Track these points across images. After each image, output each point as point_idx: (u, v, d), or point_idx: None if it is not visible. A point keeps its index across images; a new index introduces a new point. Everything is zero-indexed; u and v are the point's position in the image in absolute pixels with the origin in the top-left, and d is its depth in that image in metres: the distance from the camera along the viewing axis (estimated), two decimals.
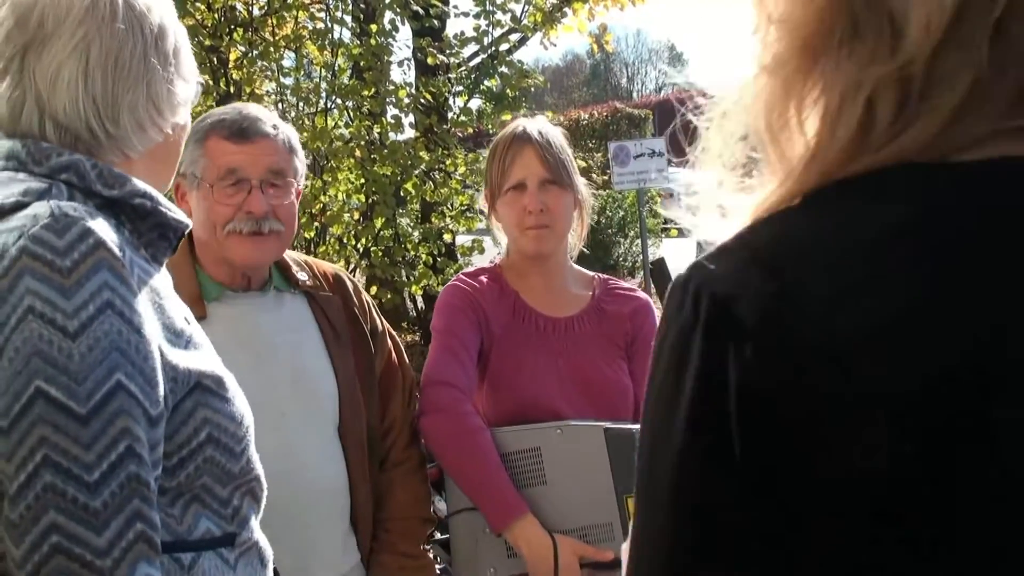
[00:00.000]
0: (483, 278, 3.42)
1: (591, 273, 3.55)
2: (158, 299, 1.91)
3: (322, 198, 9.37)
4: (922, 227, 0.96)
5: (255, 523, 2.07)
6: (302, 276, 3.11)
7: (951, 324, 0.91)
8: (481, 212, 3.58)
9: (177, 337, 1.92)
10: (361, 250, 9.80)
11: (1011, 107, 1.00)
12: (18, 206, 1.83)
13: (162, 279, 2.00)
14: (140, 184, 1.96)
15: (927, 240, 0.95)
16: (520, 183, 3.29)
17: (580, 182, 3.42)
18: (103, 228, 1.80)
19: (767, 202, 1.08)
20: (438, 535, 3.46)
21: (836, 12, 1.03)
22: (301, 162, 3.04)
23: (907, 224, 0.96)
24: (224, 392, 1.98)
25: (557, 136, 3.38)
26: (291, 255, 3.14)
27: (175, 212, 2.03)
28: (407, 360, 3.38)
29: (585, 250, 3.60)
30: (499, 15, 10.91)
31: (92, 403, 1.69)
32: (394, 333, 3.39)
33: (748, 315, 0.97)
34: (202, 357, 1.97)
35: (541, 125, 3.40)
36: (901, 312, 0.92)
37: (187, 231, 2.08)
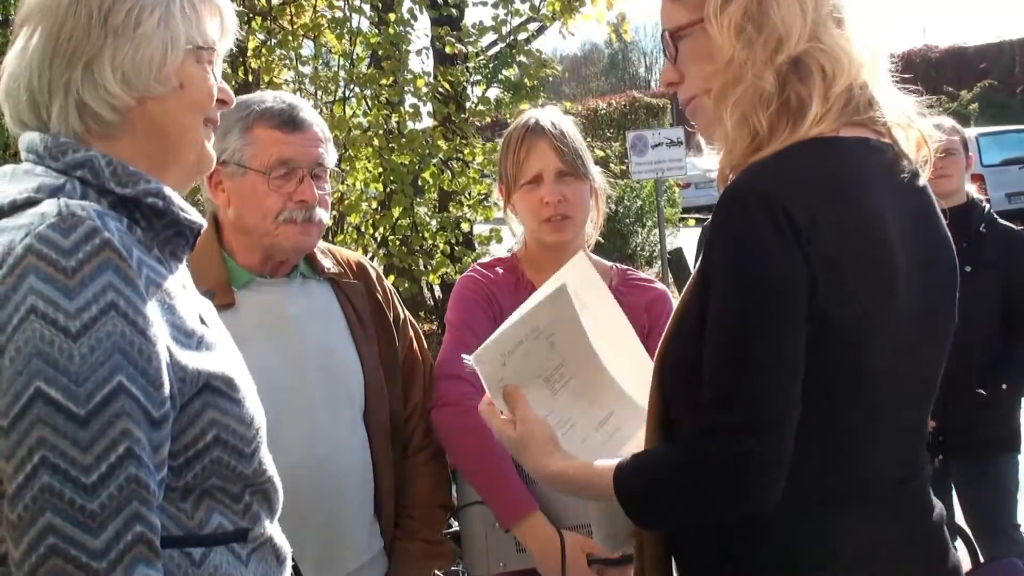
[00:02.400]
0: (499, 269, 3.41)
1: (608, 263, 3.54)
2: (169, 299, 1.90)
3: (340, 187, 9.37)
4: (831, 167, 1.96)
5: (268, 521, 2.06)
6: (327, 263, 3.13)
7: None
8: (496, 204, 3.56)
9: (187, 338, 1.91)
10: (379, 239, 9.80)
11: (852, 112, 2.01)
12: (30, 202, 1.83)
13: (177, 277, 1.99)
14: (153, 183, 1.94)
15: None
16: (537, 176, 3.28)
17: (595, 171, 3.40)
18: (111, 228, 1.79)
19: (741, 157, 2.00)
20: (455, 524, 3.46)
21: (796, 63, 1.97)
22: (333, 150, 3.08)
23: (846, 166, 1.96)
24: (234, 393, 1.96)
25: (570, 126, 3.37)
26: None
27: (189, 213, 2.01)
28: (426, 349, 3.38)
29: (602, 240, 3.59)
30: (518, 4, 10.89)
31: (92, 405, 1.68)
32: (414, 321, 3.39)
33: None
34: (213, 358, 1.96)
35: (553, 116, 3.38)
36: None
37: (202, 230, 2.07)
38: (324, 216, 3.00)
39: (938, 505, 2.15)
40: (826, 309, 1.87)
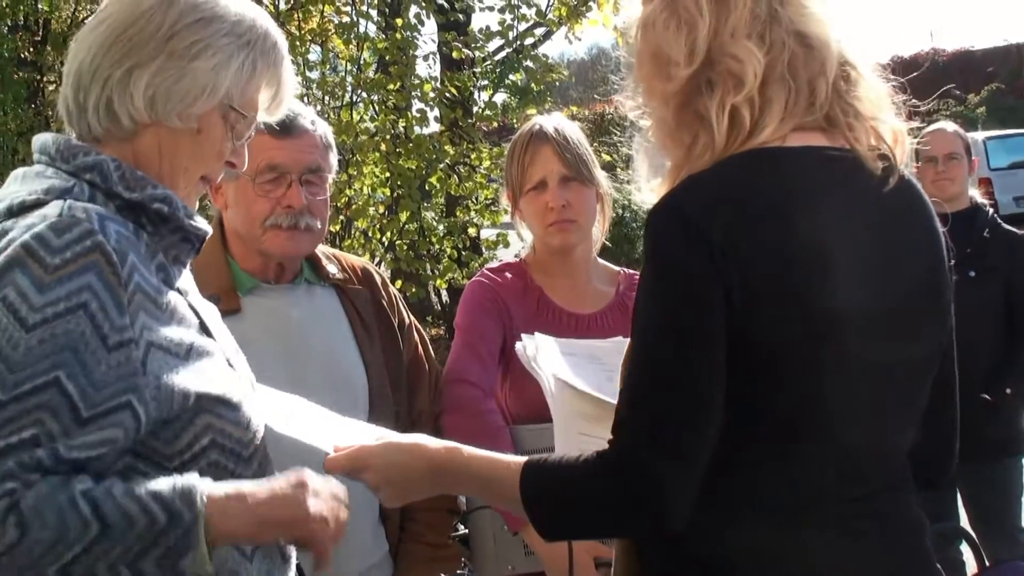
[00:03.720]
0: (507, 274, 3.43)
1: (616, 268, 3.55)
2: (161, 309, 1.94)
3: (347, 192, 9.39)
4: (757, 181, 1.94)
5: None
6: (332, 269, 3.13)
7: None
8: (506, 210, 3.58)
9: (178, 346, 1.94)
10: (386, 244, 9.81)
11: (802, 115, 1.98)
12: (38, 203, 1.88)
13: (181, 284, 2.04)
14: (160, 189, 1.99)
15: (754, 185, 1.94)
16: (541, 181, 3.30)
17: (601, 176, 3.42)
18: (109, 232, 1.84)
19: (685, 173, 1.99)
20: (461, 528, 3.47)
21: (695, 81, 2.00)
22: (335, 157, 3.08)
23: (759, 177, 1.94)
24: (230, 400, 2.00)
25: (574, 131, 3.39)
26: (320, 248, 3.17)
27: (194, 220, 2.06)
28: (432, 354, 3.40)
29: (608, 243, 3.60)
30: (524, 9, 10.89)
31: (17, 392, 1.72)
32: (420, 327, 3.40)
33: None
34: (210, 366, 1.99)
35: (557, 122, 3.40)
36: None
37: (207, 236, 2.10)
38: (315, 223, 2.99)
39: (919, 518, 2.09)
40: (747, 326, 1.86)
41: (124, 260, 1.85)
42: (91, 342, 1.78)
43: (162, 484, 1.81)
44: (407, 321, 3.30)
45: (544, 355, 2.59)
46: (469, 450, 2.20)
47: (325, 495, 2.03)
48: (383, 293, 3.24)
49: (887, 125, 2.05)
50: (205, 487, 1.83)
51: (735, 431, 1.89)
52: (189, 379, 1.93)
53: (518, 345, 2.71)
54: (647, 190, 2.11)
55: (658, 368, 1.89)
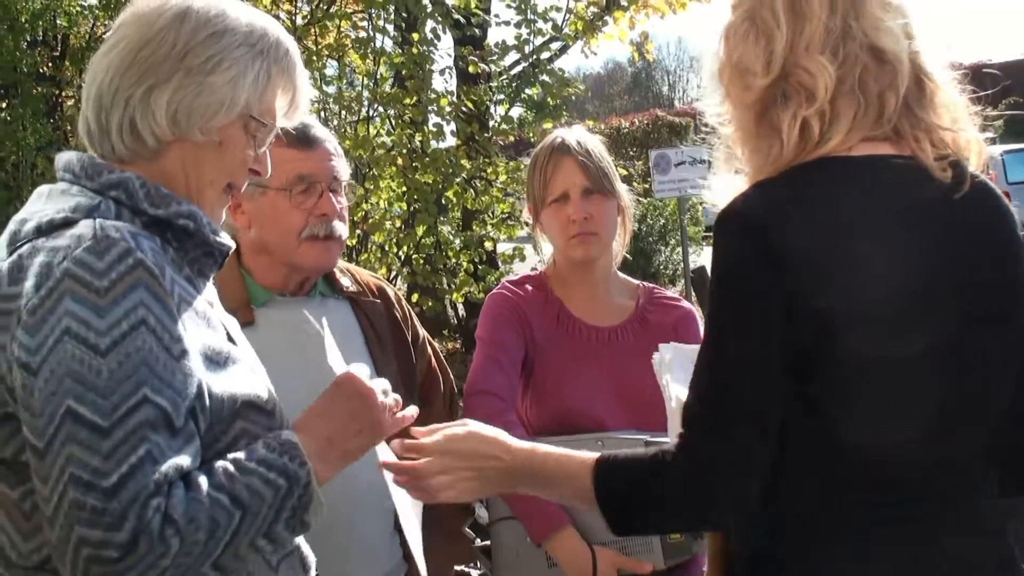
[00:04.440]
0: (528, 286, 3.43)
1: (635, 281, 3.55)
2: (200, 318, 1.96)
3: (364, 206, 9.41)
4: (820, 189, 2.01)
5: None
6: (345, 282, 3.14)
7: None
8: (526, 223, 3.59)
9: (217, 354, 1.97)
10: (403, 257, 9.83)
11: (870, 127, 2.04)
12: (67, 222, 1.88)
13: (206, 296, 2.06)
14: (185, 205, 2.00)
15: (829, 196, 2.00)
16: (563, 194, 3.31)
17: (622, 188, 3.42)
18: (144, 248, 1.85)
19: (757, 178, 2.08)
20: (479, 541, 3.47)
21: (771, 92, 2.07)
22: (346, 166, 3.09)
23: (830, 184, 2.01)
24: (264, 406, 2.02)
25: (596, 144, 3.39)
26: None
27: (219, 235, 2.07)
28: (447, 367, 3.40)
29: (626, 256, 3.60)
30: (540, 24, 10.92)
31: (116, 416, 1.74)
32: (433, 341, 3.40)
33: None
34: (243, 373, 2.02)
35: (579, 135, 3.41)
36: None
37: (231, 251, 2.12)
38: (343, 230, 3.02)
39: (1000, 525, 2.09)
40: (805, 329, 1.93)
41: (163, 273, 1.87)
42: (160, 355, 1.80)
43: (262, 449, 1.92)
44: (420, 335, 3.30)
45: (672, 366, 2.59)
46: (543, 448, 2.29)
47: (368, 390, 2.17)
48: (397, 306, 3.25)
49: (963, 134, 2.09)
50: (296, 438, 1.97)
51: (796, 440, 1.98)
52: (230, 385, 1.95)
53: (655, 355, 2.72)
54: (724, 195, 2.14)
55: (718, 366, 1.99)
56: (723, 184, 2.20)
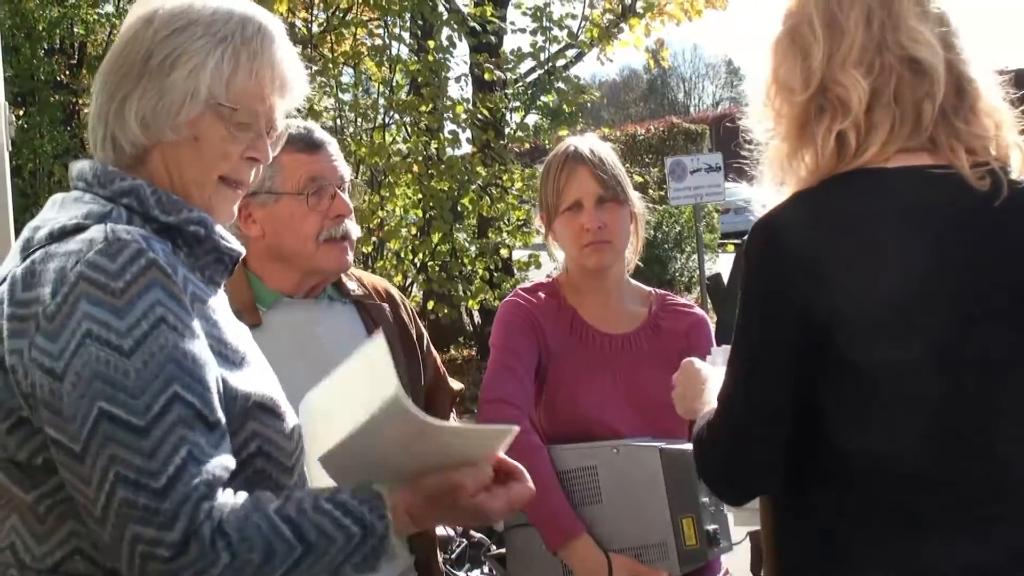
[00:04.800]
0: (541, 293, 3.43)
1: (648, 288, 3.55)
2: (212, 317, 1.96)
3: (380, 213, 9.43)
4: (853, 201, 2.07)
5: None
6: (351, 285, 3.15)
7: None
8: (538, 230, 3.59)
9: (233, 353, 1.97)
10: (418, 265, 9.84)
11: (907, 138, 2.07)
12: (78, 228, 1.88)
13: (218, 299, 2.05)
14: (195, 212, 1.99)
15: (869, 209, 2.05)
16: (576, 202, 3.31)
17: (635, 196, 3.42)
18: (156, 249, 1.85)
19: (797, 188, 2.15)
20: (494, 548, 3.47)
21: (809, 106, 2.12)
22: (347, 167, 3.12)
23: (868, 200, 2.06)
24: (276, 408, 2.01)
25: (608, 152, 3.39)
26: None
27: (229, 241, 2.07)
28: (447, 375, 3.40)
29: (640, 264, 3.60)
30: (556, 31, 10.96)
31: (151, 415, 1.74)
32: (434, 349, 3.40)
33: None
34: (255, 374, 2.01)
35: (592, 143, 3.40)
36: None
37: (241, 257, 2.11)
38: (356, 230, 3.04)
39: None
40: (829, 340, 2.01)
41: (176, 271, 1.87)
42: (185, 351, 1.81)
43: (346, 495, 1.88)
44: (425, 339, 3.30)
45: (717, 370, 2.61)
46: None
47: (476, 482, 2.01)
48: (403, 308, 3.25)
49: (1003, 140, 2.13)
50: (385, 493, 1.91)
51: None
52: (243, 384, 1.95)
53: (708, 357, 2.74)
54: (769, 205, 2.22)
55: (736, 364, 2.15)
56: (769, 196, 2.25)
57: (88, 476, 1.75)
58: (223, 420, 1.85)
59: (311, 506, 1.83)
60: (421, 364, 3.22)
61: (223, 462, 1.80)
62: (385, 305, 3.19)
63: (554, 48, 11.22)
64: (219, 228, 2.05)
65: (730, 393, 2.16)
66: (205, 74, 1.99)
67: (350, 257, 3.03)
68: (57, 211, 1.97)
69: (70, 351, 1.76)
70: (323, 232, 2.93)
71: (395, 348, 3.12)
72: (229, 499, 1.77)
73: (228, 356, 1.95)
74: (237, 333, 2.04)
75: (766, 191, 2.27)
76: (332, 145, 3.03)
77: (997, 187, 2.04)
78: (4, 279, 1.90)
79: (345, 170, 3.05)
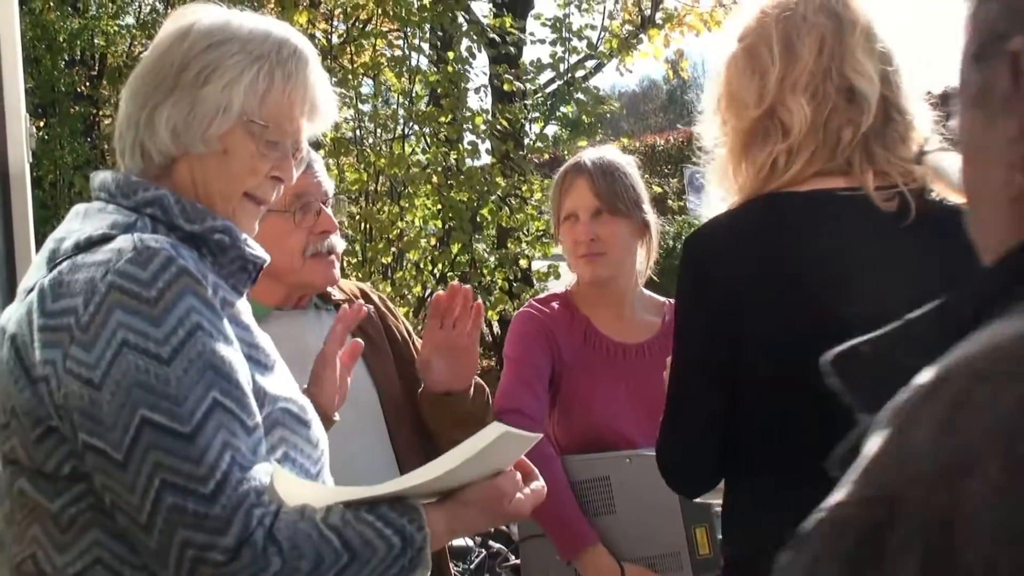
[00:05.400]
0: (555, 304, 3.44)
1: (662, 299, 3.56)
2: (243, 322, 1.99)
3: (399, 224, 9.44)
4: (769, 223, 2.19)
5: None
6: (334, 292, 3.17)
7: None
8: (558, 241, 3.61)
9: (266, 358, 2.00)
10: (438, 275, 9.85)
11: (824, 161, 2.18)
12: (105, 238, 1.90)
13: (244, 305, 2.06)
14: (220, 220, 2.01)
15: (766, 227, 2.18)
16: (572, 214, 3.34)
17: (647, 208, 3.42)
18: (185, 256, 1.87)
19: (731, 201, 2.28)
20: (512, 559, 3.48)
21: (758, 125, 2.22)
22: (331, 182, 3.13)
23: (768, 219, 2.19)
24: (303, 415, 2.03)
25: (618, 165, 3.39)
26: None
27: (253, 248, 2.09)
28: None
29: (656, 279, 3.61)
30: (575, 42, 10.95)
31: (195, 420, 1.77)
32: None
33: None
34: (285, 379, 2.04)
35: (600, 154, 3.42)
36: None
37: (265, 265, 2.13)
38: (341, 243, 3.06)
39: None
40: (743, 354, 2.18)
41: (206, 278, 1.88)
42: (223, 357, 1.83)
43: (385, 507, 1.90)
44: (412, 337, 3.30)
45: None
46: None
47: (515, 487, 2.11)
48: (386, 310, 3.25)
49: (929, 165, 2.21)
50: (423, 507, 1.94)
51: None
52: (274, 389, 1.97)
53: None
54: (710, 214, 2.36)
55: (671, 375, 2.36)
56: (712, 204, 2.40)
57: (132, 483, 1.76)
58: (260, 423, 1.88)
59: (353, 516, 1.85)
60: (413, 357, 3.20)
61: (265, 467, 1.82)
62: (364, 304, 3.20)
63: (573, 59, 11.23)
64: (243, 235, 2.06)
65: (668, 400, 2.36)
66: (239, 89, 2.02)
67: (336, 271, 3.03)
68: (81, 222, 1.98)
69: (107, 360, 1.78)
70: (309, 247, 2.94)
71: (380, 349, 3.12)
72: (285, 514, 1.80)
73: (260, 360, 1.98)
74: (265, 338, 2.07)
75: (712, 199, 2.39)
76: (317, 162, 3.04)
77: (904, 208, 2.14)
78: (31, 289, 1.91)
79: (329, 185, 3.06)
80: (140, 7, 16.03)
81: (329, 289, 3.14)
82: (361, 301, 3.15)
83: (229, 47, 2.03)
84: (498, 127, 9.76)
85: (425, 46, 10.33)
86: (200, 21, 2.05)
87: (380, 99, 10.93)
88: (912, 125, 2.24)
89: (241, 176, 2.07)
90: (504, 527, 3.38)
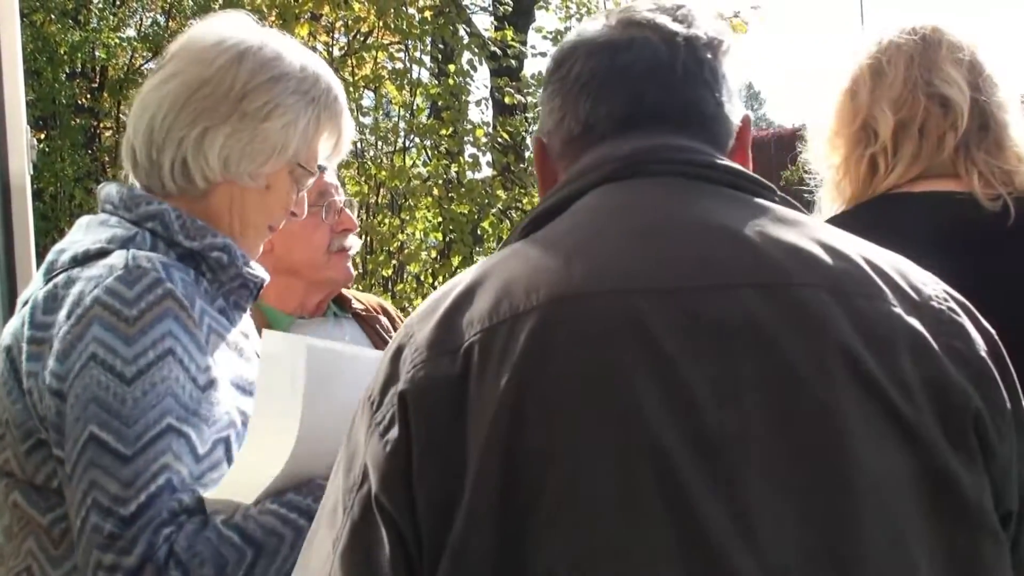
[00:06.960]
0: None
1: None
2: (231, 349, 1.97)
3: (400, 236, 9.43)
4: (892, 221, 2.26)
5: None
6: (353, 301, 3.21)
7: None
8: None
9: (250, 384, 1.97)
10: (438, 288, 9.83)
11: (929, 162, 2.35)
12: (102, 253, 1.89)
13: (241, 328, 2.06)
14: (220, 238, 2.01)
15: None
16: None
17: None
18: (175, 279, 1.85)
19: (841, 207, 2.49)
20: None
21: (855, 137, 2.43)
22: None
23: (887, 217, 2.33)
24: None
25: None
26: None
27: (252, 268, 2.08)
28: None
29: None
30: None
31: (139, 445, 1.74)
32: None
33: None
34: None
35: None
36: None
37: (265, 283, 2.13)
38: (357, 244, 3.13)
39: None
40: None
41: (193, 304, 1.87)
42: (186, 385, 1.81)
43: (291, 493, 1.84)
44: None
45: None
46: None
47: None
48: (399, 321, 3.27)
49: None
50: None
51: None
52: None
53: None
54: None
55: None
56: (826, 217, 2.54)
57: (71, 499, 1.76)
58: (221, 453, 1.85)
59: (257, 510, 1.82)
60: None
61: (199, 494, 1.79)
62: (383, 318, 3.24)
63: None
64: (242, 254, 2.05)
65: None
66: (295, 132, 2.04)
67: (351, 270, 3.12)
68: (83, 234, 1.98)
69: (74, 372, 1.77)
70: (333, 244, 3.01)
71: None
72: (187, 524, 1.76)
73: (245, 387, 1.96)
74: (256, 364, 2.05)
75: (825, 214, 2.52)
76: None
77: (1006, 211, 2.26)
78: (27, 301, 1.91)
79: (341, 190, 3.14)
80: (141, 20, 16.08)
81: (348, 297, 3.18)
82: (383, 318, 3.19)
83: (286, 84, 2.04)
84: (499, 140, 9.74)
85: (426, 59, 10.31)
86: (252, 46, 2.04)
87: (381, 112, 10.91)
88: (1008, 133, 2.39)
89: (276, 212, 2.11)
90: None
